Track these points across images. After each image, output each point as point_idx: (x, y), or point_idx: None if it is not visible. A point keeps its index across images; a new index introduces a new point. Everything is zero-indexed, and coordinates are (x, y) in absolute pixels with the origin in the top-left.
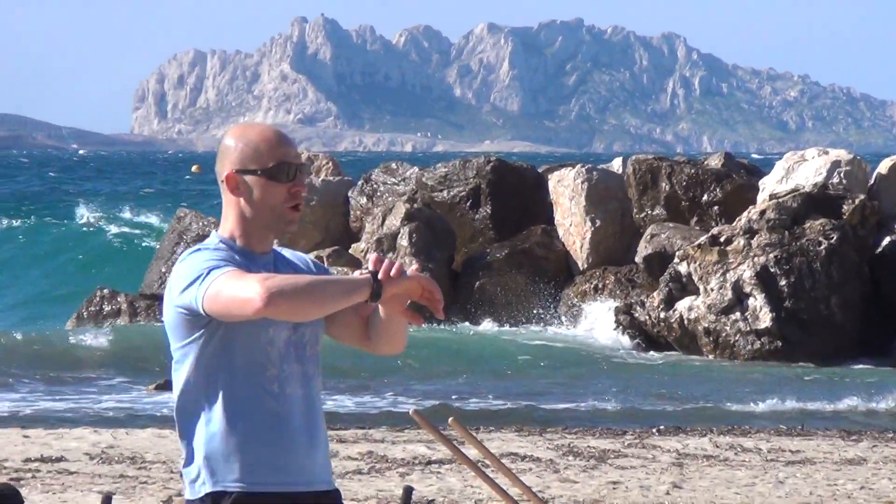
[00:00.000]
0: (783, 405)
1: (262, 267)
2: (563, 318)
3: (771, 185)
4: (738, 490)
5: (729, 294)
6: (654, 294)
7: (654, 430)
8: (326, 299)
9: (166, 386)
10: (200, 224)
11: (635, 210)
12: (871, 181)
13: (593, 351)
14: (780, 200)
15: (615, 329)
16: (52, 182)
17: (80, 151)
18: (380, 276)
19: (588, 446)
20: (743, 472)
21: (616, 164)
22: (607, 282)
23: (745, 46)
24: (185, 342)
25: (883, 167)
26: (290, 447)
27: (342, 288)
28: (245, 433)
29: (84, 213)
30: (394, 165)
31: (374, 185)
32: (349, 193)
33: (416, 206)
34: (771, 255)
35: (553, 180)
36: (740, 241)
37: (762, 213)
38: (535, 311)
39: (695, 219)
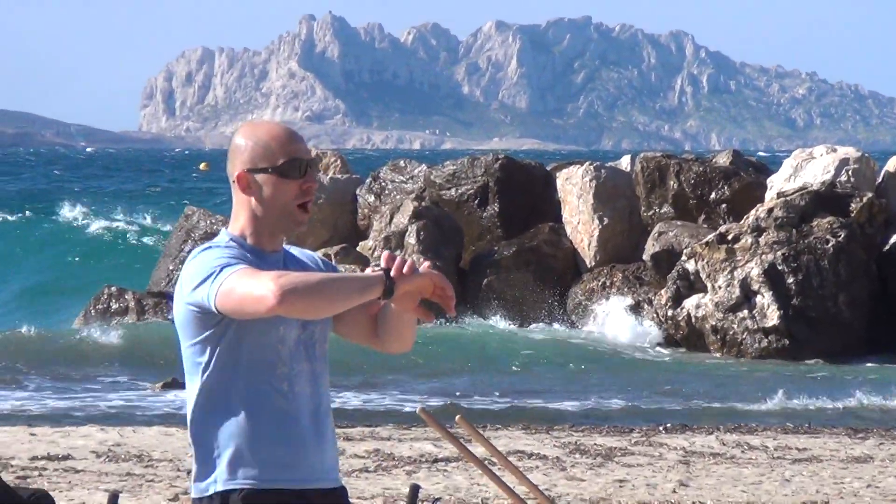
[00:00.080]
0: (790, 403)
1: (273, 265)
2: (571, 316)
3: (779, 183)
4: (745, 488)
5: (737, 292)
6: (662, 292)
7: (660, 428)
8: (340, 296)
9: (173, 384)
10: (208, 222)
11: (643, 208)
12: (880, 179)
13: (601, 349)
14: (788, 198)
15: (636, 324)
16: (56, 180)
17: (88, 149)
18: (392, 273)
19: (595, 444)
20: (749, 470)
21: (624, 162)
22: (615, 280)
23: (753, 44)
24: (195, 340)
25: (891, 165)
26: (299, 445)
27: (355, 285)
28: (254, 431)
29: (68, 212)
30: (402, 163)
31: (382, 183)
32: (357, 191)
33: (424, 203)
34: (779, 253)
35: (561, 178)
36: (748, 239)
37: (770, 210)
38: (542, 309)
39: (703, 216)
